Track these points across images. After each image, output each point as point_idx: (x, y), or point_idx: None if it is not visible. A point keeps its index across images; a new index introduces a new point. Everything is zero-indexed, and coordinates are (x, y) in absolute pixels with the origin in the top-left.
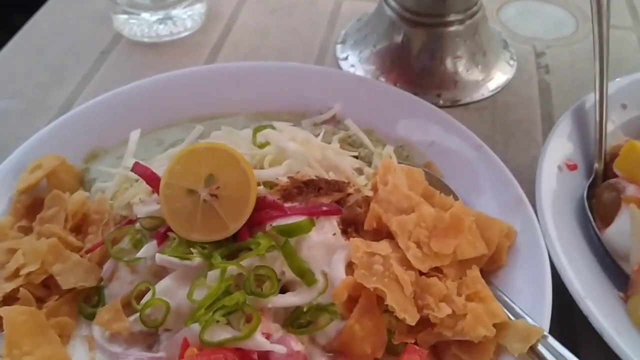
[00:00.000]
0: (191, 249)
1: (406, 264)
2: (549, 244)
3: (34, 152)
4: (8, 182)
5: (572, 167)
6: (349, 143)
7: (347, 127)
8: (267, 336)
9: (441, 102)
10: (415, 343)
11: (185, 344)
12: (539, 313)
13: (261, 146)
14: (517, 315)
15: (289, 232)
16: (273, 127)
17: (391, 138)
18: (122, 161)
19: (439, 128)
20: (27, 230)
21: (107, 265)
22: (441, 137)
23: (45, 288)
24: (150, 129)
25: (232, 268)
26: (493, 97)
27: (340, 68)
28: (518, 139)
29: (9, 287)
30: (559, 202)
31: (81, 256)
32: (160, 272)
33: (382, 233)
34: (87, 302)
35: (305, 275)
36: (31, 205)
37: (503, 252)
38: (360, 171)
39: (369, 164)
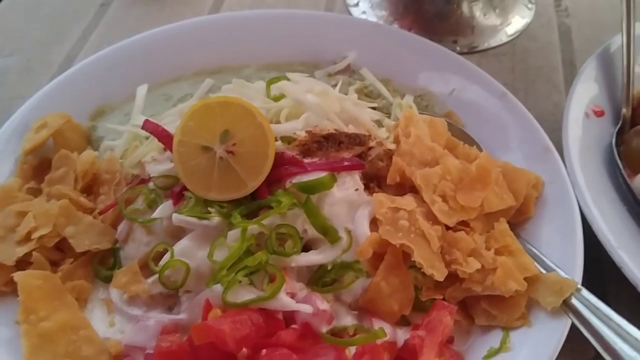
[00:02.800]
0: (209, 208)
1: (432, 218)
2: (578, 193)
3: (38, 111)
4: (13, 143)
5: (599, 114)
6: (366, 94)
7: (362, 77)
8: (292, 295)
9: (458, 48)
10: (444, 299)
11: (208, 306)
12: (570, 265)
13: (276, 99)
14: (548, 269)
15: (310, 188)
16: (287, 79)
17: (409, 87)
18: (130, 118)
19: (459, 76)
20: (36, 192)
21: (122, 227)
22: (462, 85)
23: (58, 251)
24: (156, 84)
25: (253, 227)
26: (512, 43)
27: (350, 15)
28: (539, 85)
29: (22, 251)
30: (586, 150)
31: (94, 218)
32: (177, 233)
33: (405, 187)
34: (103, 264)
35: (329, 233)
36: (38, 166)
37: (531, 203)
38: (379, 123)
39: (388, 116)
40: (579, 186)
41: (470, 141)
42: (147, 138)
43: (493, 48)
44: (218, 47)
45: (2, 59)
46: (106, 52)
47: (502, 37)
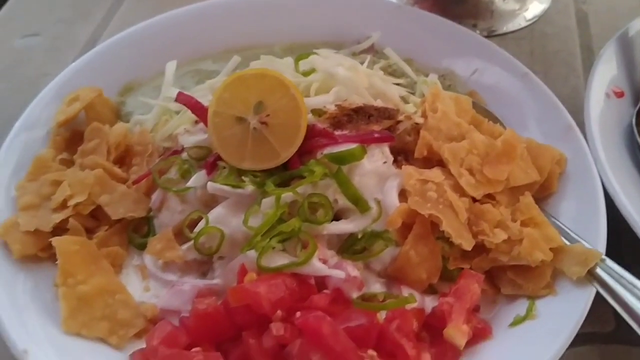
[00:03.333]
0: (242, 177)
1: (459, 191)
2: (601, 170)
3: (68, 86)
4: (45, 117)
5: (619, 94)
6: (390, 73)
7: (386, 57)
8: (324, 262)
9: (477, 32)
10: (470, 269)
11: (243, 270)
12: (593, 237)
13: (305, 74)
14: (572, 240)
15: (341, 159)
16: (315, 55)
17: (432, 68)
18: (159, 94)
19: (481, 56)
20: (68, 163)
21: (156, 196)
22: (484, 65)
23: (93, 219)
24: (183, 62)
25: (287, 195)
26: (530, 27)
27: None
28: (557, 69)
29: (58, 217)
30: (607, 129)
31: (127, 187)
32: (210, 202)
33: (432, 161)
34: (137, 232)
35: (359, 202)
36: (70, 138)
37: (554, 179)
38: (405, 100)
39: (412, 94)
40: (601, 162)
41: (494, 119)
42: (177, 112)
43: (512, 32)
44: (243, 27)
45: (27, 38)
46: (134, 29)
47: (520, 22)
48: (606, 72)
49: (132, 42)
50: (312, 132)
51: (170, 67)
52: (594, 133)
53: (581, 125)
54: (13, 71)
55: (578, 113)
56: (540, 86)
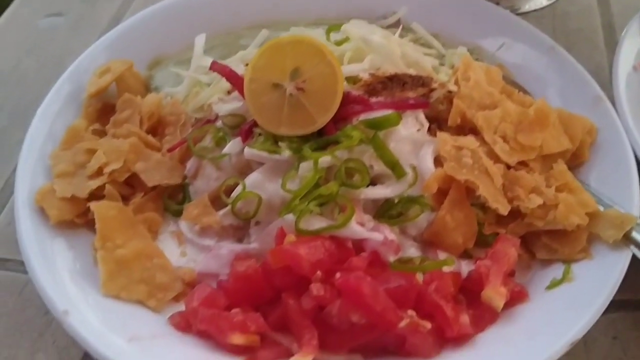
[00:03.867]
0: (279, 143)
1: (493, 158)
2: (632, 139)
3: (98, 59)
4: (76, 88)
5: None
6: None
7: (413, 31)
8: (361, 225)
9: None
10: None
11: (282, 233)
12: (627, 203)
13: (337, 44)
14: (606, 206)
15: (377, 125)
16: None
17: (458, 42)
18: (187, 68)
19: (507, 30)
20: (100, 134)
21: (191, 163)
22: (510, 39)
23: (128, 187)
24: (209, 38)
25: (324, 159)
26: (552, 6)
27: None
28: (580, 47)
29: (95, 184)
30: (635, 100)
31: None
32: (245, 169)
33: (465, 130)
34: (172, 199)
35: (396, 167)
36: (102, 110)
37: (586, 148)
38: (436, 71)
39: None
40: (631, 132)
41: (523, 91)
42: (208, 85)
43: (534, 11)
44: (269, 3)
45: (51, 18)
46: (162, 4)
47: (542, 1)
48: (633, 45)
49: (159, 17)
50: (347, 99)
51: (199, 40)
52: (623, 103)
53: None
54: (37, 50)
55: (603, 90)
56: (567, 59)
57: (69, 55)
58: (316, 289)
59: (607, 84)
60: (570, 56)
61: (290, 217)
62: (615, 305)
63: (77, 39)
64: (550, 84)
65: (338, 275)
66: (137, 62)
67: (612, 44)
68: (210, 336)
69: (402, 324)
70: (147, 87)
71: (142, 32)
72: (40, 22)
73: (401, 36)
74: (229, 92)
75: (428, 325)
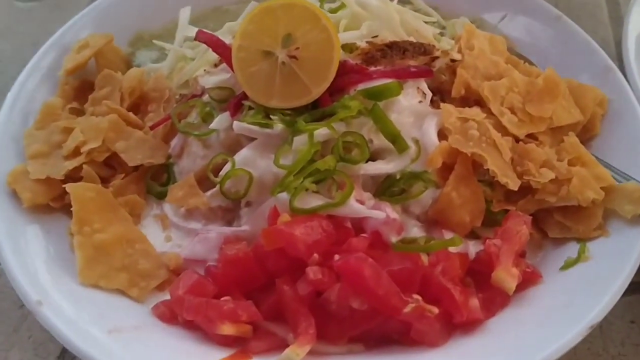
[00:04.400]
0: (271, 116)
1: (500, 130)
2: None
3: (77, 36)
4: (51, 65)
5: None
6: None
7: (410, 2)
8: (361, 203)
9: None
10: None
11: (275, 213)
12: None
13: (333, 11)
14: (622, 180)
15: (377, 94)
16: None
17: (458, 14)
18: (172, 42)
19: (509, 0)
20: (78, 113)
21: (176, 141)
22: (513, 9)
23: (108, 168)
24: (195, 13)
25: (320, 132)
26: None
27: None
28: (584, 21)
29: (71, 164)
30: None
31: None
32: (234, 146)
33: (470, 101)
34: (156, 180)
35: (397, 141)
36: (80, 87)
37: (597, 120)
38: (437, 40)
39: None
40: None
41: (529, 62)
42: (193, 59)
43: None
44: None
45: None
46: None
47: None
48: None
49: None
50: (343, 69)
51: (185, 12)
52: (634, 74)
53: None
54: (15, 30)
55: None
56: (575, 29)
57: (48, 35)
58: (313, 272)
59: (614, 59)
60: (577, 26)
61: (284, 195)
62: (633, 288)
63: (56, 18)
64: (556, 55)
65: (337, 257)
66: (118, 38)
67: (617, 18)
68: (197, 327)
69: (407, 309)
70: (128, 64)
71: (124, 7)
72: (17, 2)
73: None
74: (216, 65)
75: (435, 310)
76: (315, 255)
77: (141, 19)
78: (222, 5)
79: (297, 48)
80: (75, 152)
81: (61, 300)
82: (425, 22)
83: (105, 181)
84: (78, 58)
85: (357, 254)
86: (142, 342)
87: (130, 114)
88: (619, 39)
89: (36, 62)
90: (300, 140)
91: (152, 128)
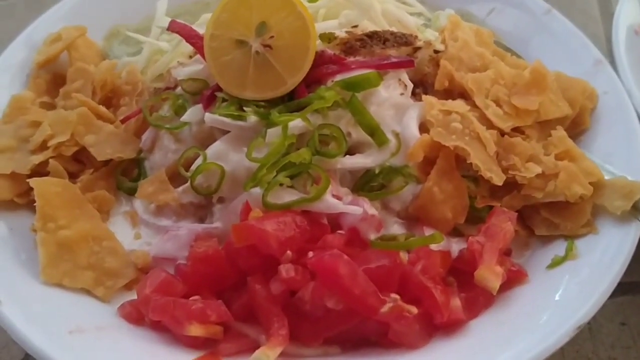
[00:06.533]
0: (244, 108)
1: (485, 123)
2: (635, 103)
3: (50, 30)
4: (25, 59)
5: None
6: None
7: None
8: (338, 199)
9: None
10: None
11: (247, 208)
12: (635, 170)
13: (311, 1)
14: (611, 175)
15: (355, 85)
16: None
17: (444, 7)
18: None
19: None
20: (49, 107)
21: (147, 135)
22: (502, 2)
23: (77, 163)
24: (174, 6)
25: (295, 124)
26: None
27: None
28: (574, 17)
29: (37, 159)
30: (636, 63)
31: (115, 128)
32: (207, 140)
33: (453, 94)
34: (126, 176)
35: (376, 133)
36: (52, 81)
37: (586, 114)
38: (421, 31)
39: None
40: (634, 96)
41: (517, 56)
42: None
43: None
44: None
45: None
46: None
47: None
48: (632, 9)
49: None
50: (321, 59)
51: (162, 3)
52: (625, 67)
53: None
54: None
55: None
56: (565, 22)
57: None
58: (286, 270)
59: (604, 55)
60: (566, 19)
61: (256, 190)
62: (623, 288)
63: (36, 14)
64: (545, 49)
65: (311, 254)
66: (94, 32)
67: (607, 14)
68: (165, 328)
69: (385, 309)
70: (103, 58)
71: (100, 1)
72: None
73: None
74: (191, 57)
75: (414, 310)
76: (289, 252)
77: (119, 13)
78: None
79: (272, 37)
80: (43, 146)
81: (21, 299)
82: (410, 14)
83: (74, 176)
84: (50, 51)
85: (332, 251)
86: (105, 342)
87: (101, 107)
88: (609, 35)
89: (7, 57)
90: (274, 133)
91: (123, 121)
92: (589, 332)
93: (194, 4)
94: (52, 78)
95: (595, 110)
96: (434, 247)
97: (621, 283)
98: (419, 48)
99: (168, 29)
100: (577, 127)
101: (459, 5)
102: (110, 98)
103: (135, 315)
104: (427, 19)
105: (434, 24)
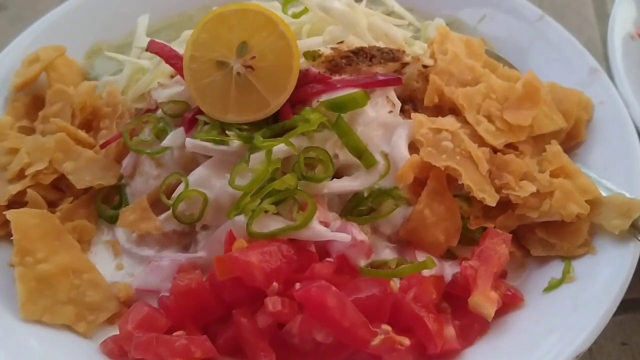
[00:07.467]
0: (227, 132)
1: (477, 140)
2: (633, 113)
3: (28, 50)
4: (1, 79)
5: None
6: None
7: (383, 3)
8: (325, 225)
9: None
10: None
11: (231, 237)
12: (633, 187)
13: (295, 16)
14: (609, 192)
15: (341, 106)
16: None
17: (434, 15)
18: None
19: (489, 0)
20: (28, 131)
21: (127, 160)
22: (493, 10)
23: (56, 191)
24: (157, 19)
25: (279, 148)
26: None
27: None
28: (569, 20)
29: (15, 189)
30: (634, 70)
31: (95, 153)
32: (189, 164)
33: (444, 110)
34: (107, 203)
35: (364, 155)
36: (31, 104)
37: (582, 126)
38: (409, 44)
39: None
40: (632, 106)
41: (509, 66)
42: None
43: None
44: None
45: None
46: None
47: None
48: (627, 13)
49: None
50: (305, 78)
51: (143, 20)
52: (621, 75)
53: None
54: None
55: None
56: (559, 29)
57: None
58: (272, 303)
59: (601, 59)
60: (560, 25)
61: (241, 218)
62: (624, 307)
63: (19, 30)
64: (538, 57)
65: (298, 285)
66: (74, 50)
67: (603, 17)
68: None
69: (376, 341)
70: (84, 78)
71: (80, 17)
72: None
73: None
74: (172, 77)
75: (407, 341)
76: (275, 284)
77: (100, 29)
78: (186, 10)
79: (253, 57)
80: (20, 175)
81: (0, 339)
82: (398, 26)
83: (53, 205)
84: (27, 73)
85: (319, 283)
86: None
87: (80, 131)
88: (605, 37)
89: None
90: (257, 158)
91: (102, 146)
92: (589, 353)
93: (177, 16)
94: (31, 100)
95: (591, 121)
96: (425, 272)
97: (622, 301)
98: (407, 63)
99: (147, 50)
100: (572, 139)
101: (449, 12)
102: (90, 121)
103: (118, 352)
104: (416, 29)
105: (423, 35)
